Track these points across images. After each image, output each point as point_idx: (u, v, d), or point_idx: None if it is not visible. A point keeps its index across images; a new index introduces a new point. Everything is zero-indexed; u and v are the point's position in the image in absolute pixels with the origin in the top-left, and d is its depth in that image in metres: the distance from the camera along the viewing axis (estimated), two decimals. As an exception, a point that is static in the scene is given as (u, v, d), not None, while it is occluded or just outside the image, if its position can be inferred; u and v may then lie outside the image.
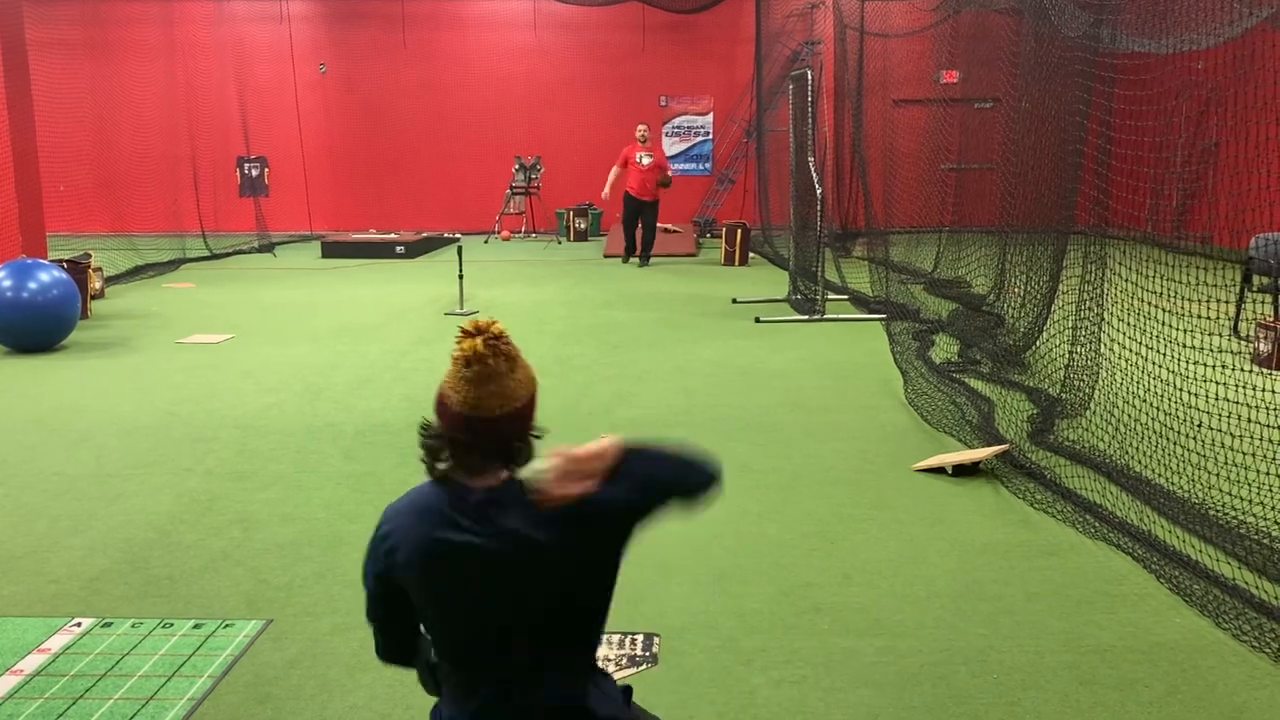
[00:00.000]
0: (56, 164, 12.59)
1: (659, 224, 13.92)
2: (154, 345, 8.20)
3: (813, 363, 7.42)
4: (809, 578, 3.74)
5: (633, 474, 1.72)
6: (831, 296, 9.75)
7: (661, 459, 1.78)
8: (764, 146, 15.22)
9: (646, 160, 13.18)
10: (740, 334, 8.58)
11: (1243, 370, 5.79)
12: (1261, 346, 6.96)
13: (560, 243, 16.68)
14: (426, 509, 1.74)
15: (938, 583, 3.68)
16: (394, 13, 17.78)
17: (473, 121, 18.04)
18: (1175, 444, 4.65)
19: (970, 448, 5.12)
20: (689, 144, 18.28)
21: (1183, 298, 5.12)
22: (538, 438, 1.76)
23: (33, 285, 7.74)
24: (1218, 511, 4.16)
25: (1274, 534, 3.90)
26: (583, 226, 16.95)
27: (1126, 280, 5.61)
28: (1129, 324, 5.42)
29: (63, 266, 8.66)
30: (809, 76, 9.47)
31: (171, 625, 3.41)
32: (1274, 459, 4.37)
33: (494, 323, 1.72)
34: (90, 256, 10.19)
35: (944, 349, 7.54)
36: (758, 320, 9.17)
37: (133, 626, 3.40)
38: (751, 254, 13.91)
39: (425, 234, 15.99)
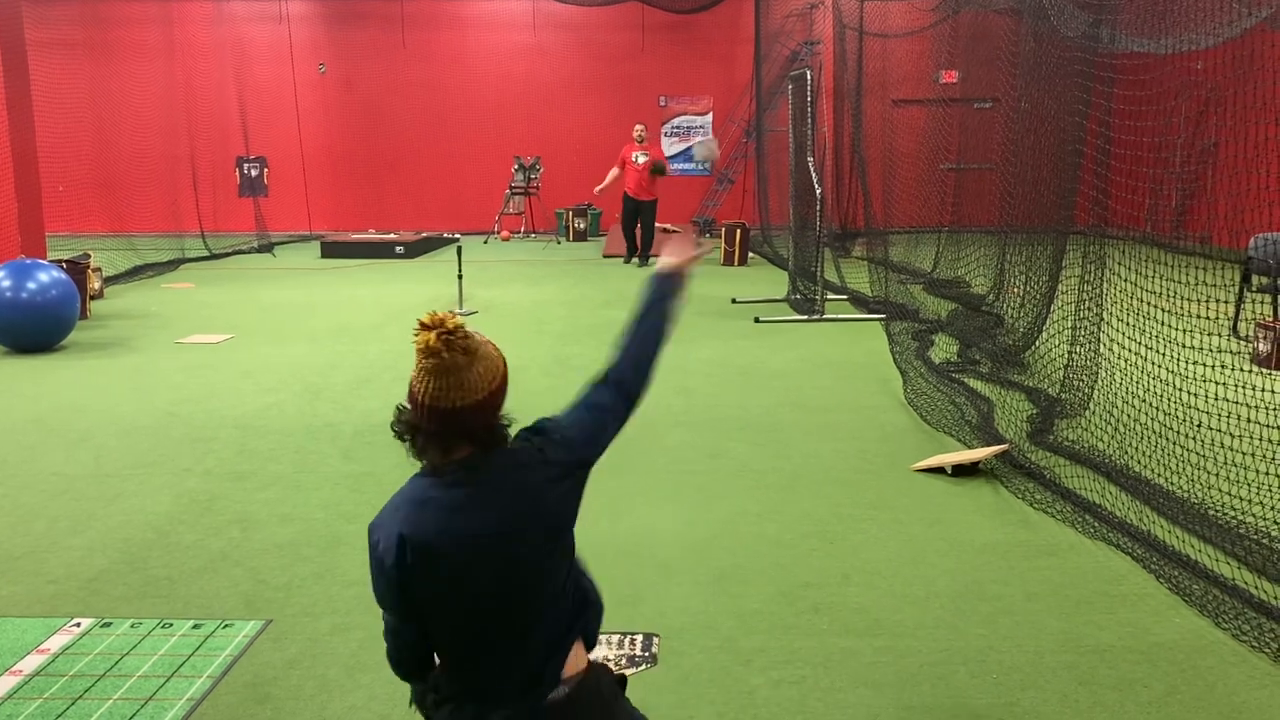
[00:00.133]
0: (56, 164, 12.59)
1: (658, 224, 13.92)
2: (153, 345, 8.20)
3: (812, 363, 7.42)
4: (808, 578, 3.74)
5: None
6: (831, 296, 9.75)
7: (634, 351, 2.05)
8: (763, 146, 15.22)
9: (642, 159, 13.19)
10: (739, 334, 8.58)
11: (1242, 370, 5.80)
12: (1261, 346, 6.96)
13: (559, 243, 16.68)
14: (411, 502, 1.78)
15: (937, 583, 3.68)
16: (393, 13, 17.78)
17: (472, 122, 18.05)
18: (1175, 444, 4.65)
19: (970, 448, 5.12)
20: (688, 144, 18.27)
21: (1182, 298, 5.12)
22: (506, 426, 1.81)
23: (32, 285, 7.73)
24: (1217, 511, 4.16)
25: (1273, 534, 3.90)
26: (582, 226, 16.96)
27: (1126, 280, 5.61)
28: (1128, 324, 5.42)
29: (62, 267, 8.66)
30: (808, 76, 9.47)
31: (170, 625, 3.40)
32: (1273, 459, 4.37)
33: (451, 316, 1.77)
34: (89, 257, 10.18)
35: (943, 349, 7.54)
36: (757, 320, 9.17)
37: (132, 627, 3.40)
38: (751, 254, 13.91)
39: (425, 234, 15.99)
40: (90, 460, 5.20)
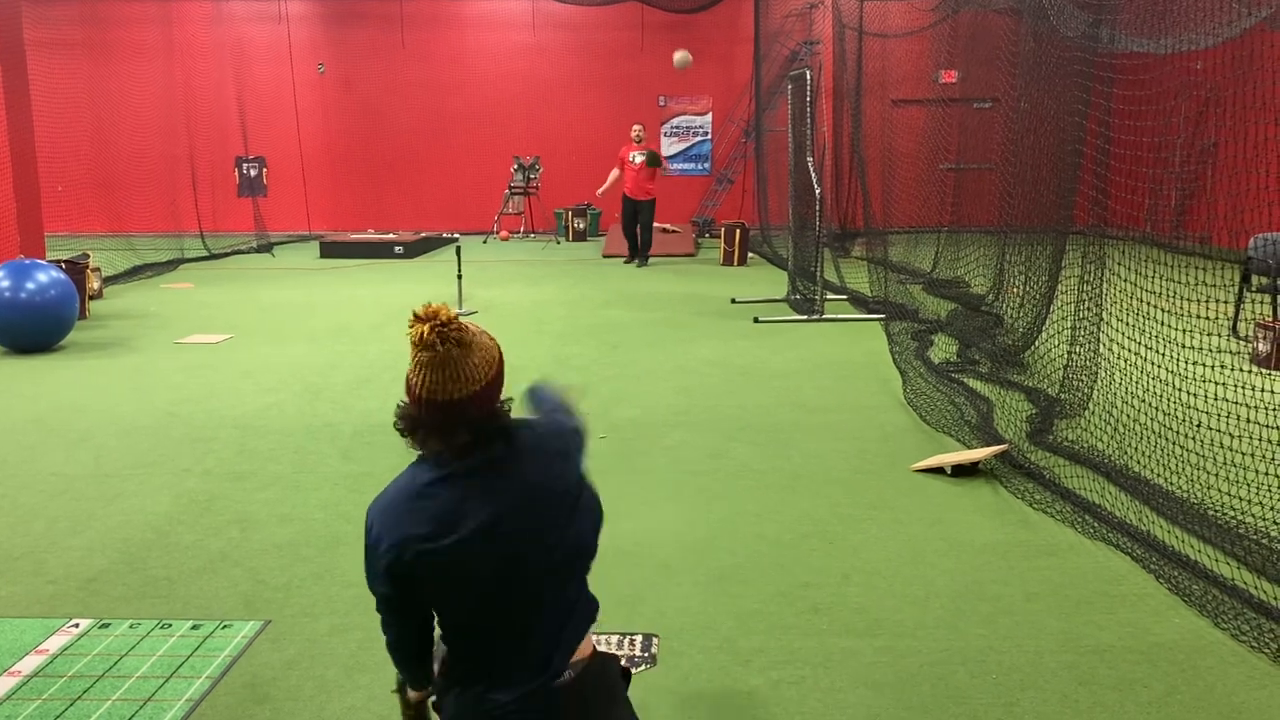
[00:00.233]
0: (55, 164, 12.58)
1: (658, 224, 13.91)
2: (152, 345, 8.20)
3: (812, 363, 7.42)
4: (808, 578, 3.74)
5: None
6: (830, 296, 9.75)
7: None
8: (763, 146, 15.21)
9: (639, 159, 13.18)
10: (739, 334, 8.58)
11: (1241, 370, 5.80)
12: (1260, 346, 6.96)
13: (559, 243, 16.68)
14: (412, 495, 1.78)
15: (937, 583, 3.68)
16: (392, 13, 17.78)
17: (471, 121, 18.04)
18: (1174, 444, 4.65)
19: (969, 448, 5.12)
20: (688, 144, 18.28)
21: (1181, 298, 5.12)
22: (508, 411, 1.82)
23: (31, 285, 7.73)
24: (1216, 511, 4.16)
25: (1273, 534, 3.90)
26: (581, 226, 16.95)
27: (1125, 280, 5.61)
28: (1128, 324, 5.42)
29: (61, 267, 8.66)
30: (808, 76, 9.46)
31: (169, 626, 3.40)
32: (1273, 459, 4.37)
33: (443, 307, 1.76)
34: (88, 257, 10.17)
35: (943, 349, 7.54)
36: (757, 320, 9.17)
37: (130, 627, 3.40)
38: (750, 254, 13.90)
39: (424, 234, 15.98)
40: (89, 460, 5.19)
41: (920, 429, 5.65)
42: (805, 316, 9.27)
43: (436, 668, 1.93)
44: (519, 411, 1.93)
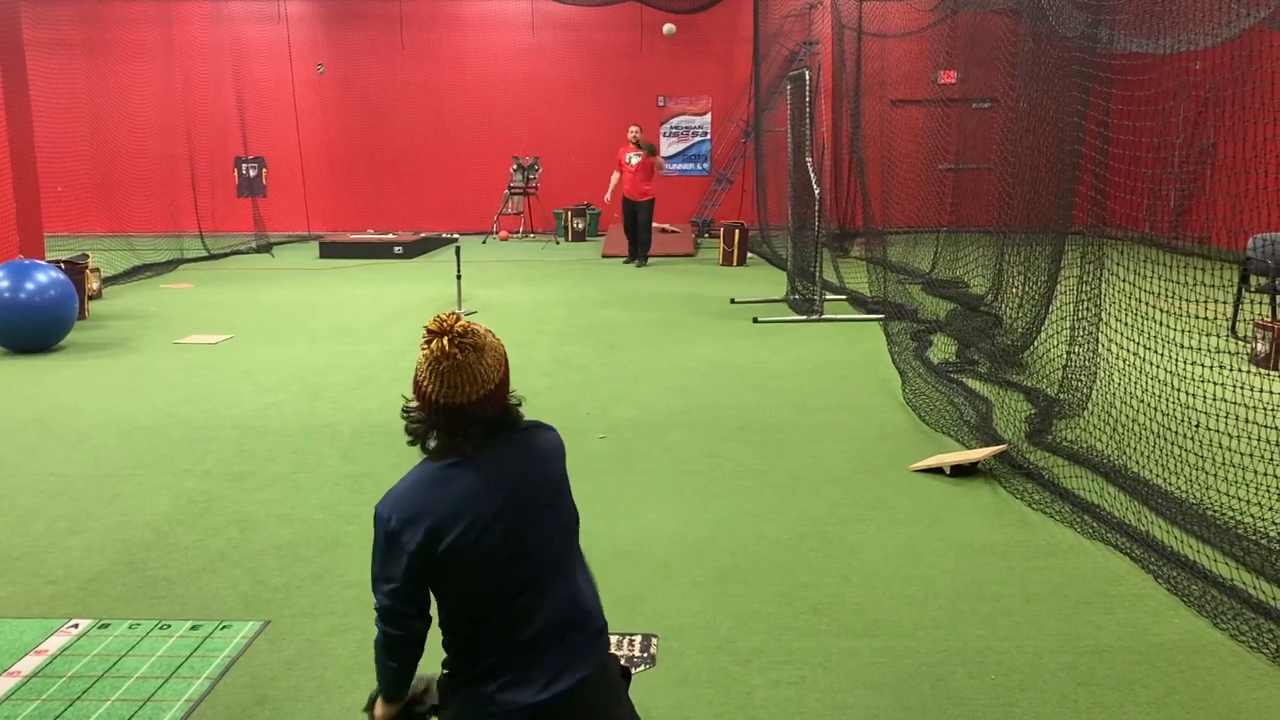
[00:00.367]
0: (54, 164, 12.57)
1: (657, 224, 13.91)
2: (152, 346, 8.20)
3: (811, 363, 7.42)
4: (807, 578, 3.74)
5: None
6: (829, 297, 9.75)
7: None
8: (762, 147, 15.21)
9: (635, 160, 13.19)
10: (738, 334, 8.58)
11: (1240, 370, 5.80)
12: (1259, 347, 6.96)
13: (558, 243, 16.68)
14: (431, 482, 1.83)
15: (936, 583, 3.68)
16: (392, 13, 17.77)
17: (471, 122, 18.04)
18: (1173, 444, 4.65)
19: (968, 448, 5.12)
20: (687, 144, 18.28)
21: (1180, 298, 5.12)
22: (518, 405, 1.91)
23: (30, 286, 7.73)
24: (1215, 512, 4.16)
25: (1271, 534, 3.90)
26: (581, 226, 16.95)
27: (1124, 280, 5.61)
28: (1127, 324, 5.42)
29: (60, 267, 8.66)
30: (807, 77, 9.47)
31: (169, 626, 3.40)
32: (1271, 459, 4.37)
33: (456, 318, 1.84)
34: (88, 257, 10.17)
35: (942, 349, 7.54)
36: (756, 320, 9.17)
37: (130, 628, 3.40)
38: (749, 254, 13.91)
39: (423, 234, 15.98)
40: (89, 461, 5.19)
41: (919, 429, 5.65)
42: (804, 317, 9.27)
43: (426, 690, 1.95)
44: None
